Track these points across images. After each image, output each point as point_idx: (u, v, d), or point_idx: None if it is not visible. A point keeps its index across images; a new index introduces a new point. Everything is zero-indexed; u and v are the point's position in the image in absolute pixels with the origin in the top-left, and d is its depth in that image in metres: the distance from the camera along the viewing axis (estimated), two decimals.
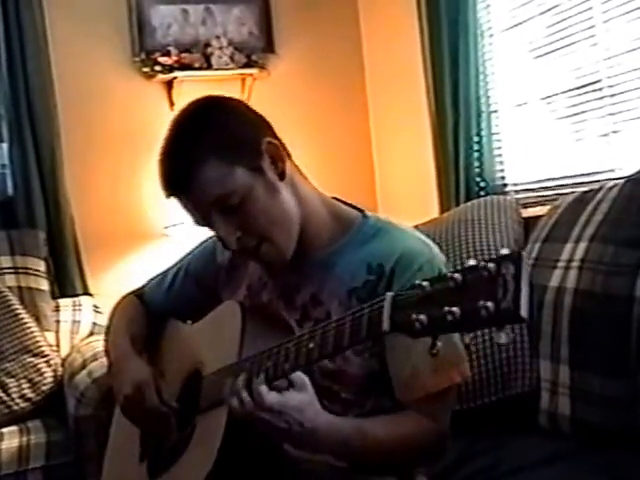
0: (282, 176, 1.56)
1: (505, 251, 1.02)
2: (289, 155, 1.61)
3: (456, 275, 1.05)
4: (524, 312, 0.98)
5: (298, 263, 1.59)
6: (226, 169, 1.51)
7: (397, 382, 1.52)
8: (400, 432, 1.47)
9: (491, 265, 1.01)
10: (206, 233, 1.71)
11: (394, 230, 1.61)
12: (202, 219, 1.56)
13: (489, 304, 0.99)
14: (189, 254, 1.91)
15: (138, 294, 1.98)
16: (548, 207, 2.43)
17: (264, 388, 1.32)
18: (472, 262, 1.05)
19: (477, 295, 1.01)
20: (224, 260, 1.79)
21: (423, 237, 1.62)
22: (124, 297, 2.00)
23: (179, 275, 1.89)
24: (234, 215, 1.52)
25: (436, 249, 1.60)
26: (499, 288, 0.99)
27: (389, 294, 1.16)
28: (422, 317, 1.07)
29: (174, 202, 1.59)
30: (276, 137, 1.60)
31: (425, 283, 1.09)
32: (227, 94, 1.67)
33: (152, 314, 1.92)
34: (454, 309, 1.03)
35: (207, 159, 1.50)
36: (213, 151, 1.51)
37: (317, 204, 1.62)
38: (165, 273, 1.94)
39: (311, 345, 1.28)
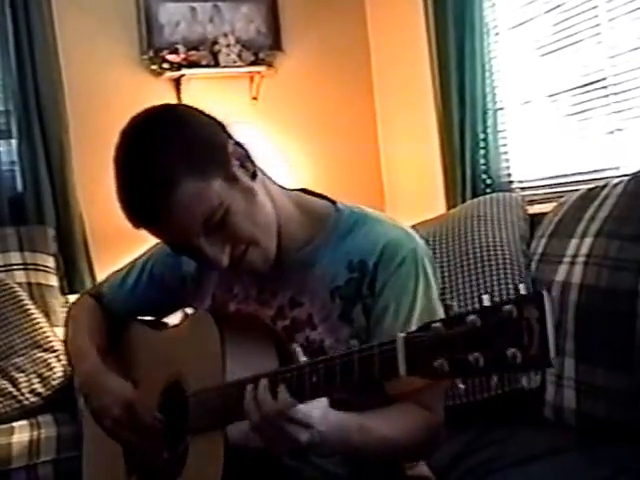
0: (254, 176, 1.47)
1: (524, 291, 0.98)
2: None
3: (473, 317, 1.01)
4: (553, 356, 0.95)
5: (275, 268, 1.51)
6: (204, 185, 1.39)
7: None
8: (402, 425, 1.43)
9: (512, 308, 0.97)
10: None
11: (371, 221, 1.55)
12: (185, 245, 1.45)
13: (516, 351, 0.95)
14: (152, 253, 1.79)
15: (94, 294, 1.89)
16: (554, 204, 2.44)
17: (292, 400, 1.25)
18: (487, 301, 1.01)
19: (500, 340, 0.97)
20: (191, 269, 1.70)
21: (402, 225, 1.57)
22: (79, 298, 1.92)
23: (143, 277, 1.79)
24: (218, 231, 1.42)
25: (417, 236, 1.55)
26: (524, 333, 0.95)
27: (400, 335, 1.10)
28: (443, 362, 1.02)
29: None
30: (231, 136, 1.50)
31: (439, 324, 1.05)
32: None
33: (112, 316, 1.83)
34: (477, 355, 0.99)
35: (181, 180, 1.37)
36: (185, 169, 1.38)
37: (286, 202, 1.54)
38: (125, 274, 1.83)
39: (314, 379, 1.22)
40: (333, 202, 1.59)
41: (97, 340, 1.76)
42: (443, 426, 1.50)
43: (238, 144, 1.47)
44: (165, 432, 1.56)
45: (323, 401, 1.28)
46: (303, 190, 1.63)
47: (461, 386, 1.04)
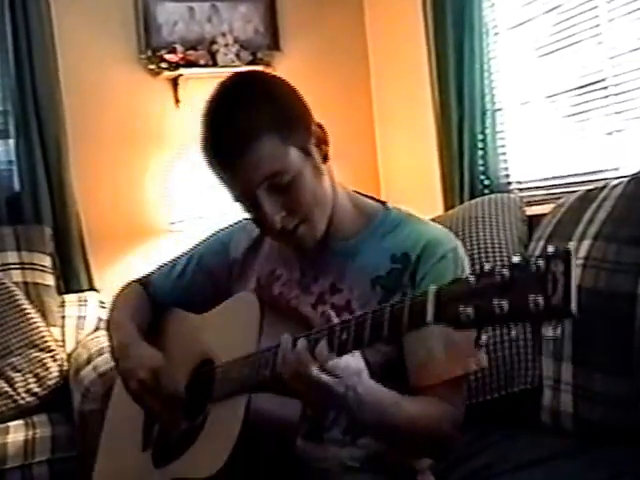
0: (326, 159, 1.58)
1: (551, 249, 1.02)
2: None
3: (503, 271, 1.05)
4: (574, 307, 0.98)
5: (319, 253, 1.60)
6: (282, 146, 1.49)
7: (412, 366, 1.51)
8: (432, 412, 1.46)
9: (540, 261, 1.01)
10: (214, 226, 1.67)
11: (417, 221, 1.64)
12: (246, 195, 1.52)
13: (539, 299, 0.99)
14: (201, 245, 1.88)
15: (143, 282, 1.95)
16: (552, 205, 2.43)
17: (327, 350, 1.29)
18: (517, 259, 1.05)
19: (526, 290, 1.01)
20: (237, 255, 1.78)
21: (444, 229, 1.65)
22: (128, 284, 1.97)
23: (190, 266, 1.86)
24: (281, 194, 1.50)
25: (458, 240, 1.62)
26: (549, 284, 1.00)
27: (432, 288, 1.15)
28: (468, 309, 1.07)
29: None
30: None
31: (471, 278, 1.09)
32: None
33: (157, 303, 1.89)
34: (502, 302, 1.03)
35: (266, 133, 1.47)
36: (272, 126, 1.48)
37: (343, 194, 1.64)
38: (174, 263, 1.91)
39: (344, 336, 1.27)
40: (383, 202, 1.70)
41: (137, 320, 1.83)
42: (462, 426, 1.53)
43: (319, 126, 1.59)
44: (186, 405, 1.60)
45: (360, 362, 1.34)
46: (357, 192, 1.72)
47: (483, 337, 1.08)
